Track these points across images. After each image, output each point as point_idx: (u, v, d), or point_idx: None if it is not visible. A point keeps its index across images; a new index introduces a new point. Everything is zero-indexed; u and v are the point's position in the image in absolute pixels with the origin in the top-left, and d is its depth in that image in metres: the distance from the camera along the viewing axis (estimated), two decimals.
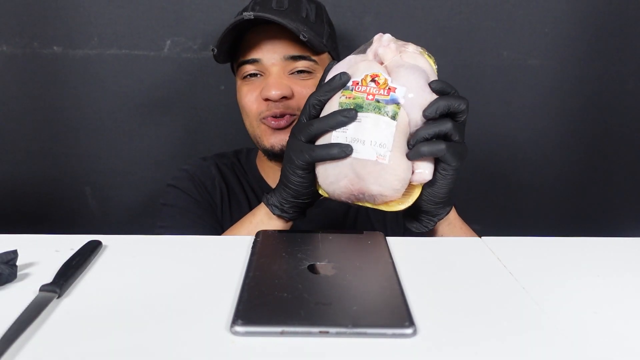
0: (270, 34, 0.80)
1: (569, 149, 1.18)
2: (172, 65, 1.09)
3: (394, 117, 0.56)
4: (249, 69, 0.81)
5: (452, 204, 0.68)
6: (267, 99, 0.79)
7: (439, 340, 0.37)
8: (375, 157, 0.56)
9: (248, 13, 0.76)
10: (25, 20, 1.05)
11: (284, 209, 0.65)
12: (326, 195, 0.61)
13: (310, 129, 0.58)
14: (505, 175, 1.19)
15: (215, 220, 0.86)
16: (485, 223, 1.19)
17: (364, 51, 0.63)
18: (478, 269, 0.50)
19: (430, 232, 0.68)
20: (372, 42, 0.63)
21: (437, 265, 0.51)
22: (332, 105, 0.59)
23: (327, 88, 0.59)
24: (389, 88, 0.57)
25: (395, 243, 0.55)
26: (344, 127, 0.56)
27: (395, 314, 0.40)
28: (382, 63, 0.60)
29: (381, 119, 0.56)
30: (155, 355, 0.36)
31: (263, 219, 0.67)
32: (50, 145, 1.12)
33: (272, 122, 0.80)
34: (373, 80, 0.58)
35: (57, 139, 1.12)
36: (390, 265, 0.49)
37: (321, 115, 0.59)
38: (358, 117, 0.56)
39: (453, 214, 0.69)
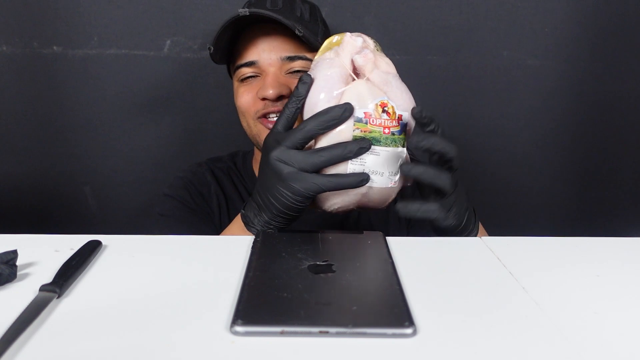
0: (266, 33, 0.80)
1: (569, 148, 1.18)
2: (172, 65, 1.09)
3: (403, 145, 0.60)
4: (246, 71, 0.82)
5: (471, 229, 0.67)
6: (264, 99, 0.79)
7: (439, 340, 0.37)
8: (390, 185, 0.59)
9: (243, 10, 0.76)
10: (25, 20, 1.06)
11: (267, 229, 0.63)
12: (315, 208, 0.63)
13: (319, 160, 0.57)
14: (505, 175, 1.19)
15: (212, 228, 0.86)
16: (485, 223, 1.19)
17: (333, 53, 0.61)
18: (478, 269, 0.50)
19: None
20: (340, 43, 0.62)
21: (437, 265, 0.51)
22: (343, 136, 0.58)
23: (330, 120, 0.57)
24: (397, 117, 0.59)
25: (395, 243, 0.55)
26: (362, 159, 0.57)
27: (395, 314, 0.40)
28: (356, 71, 0.60)
29: (397, 151, 0.59)
30: (155, 355, 0.35)
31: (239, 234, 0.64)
32: (50, 145, 1.12)
33: (269, 124, 0.80)
34: (384, 110, 0.58)
35: (57, 139, 1.12)
36: (390, 265, 0.49)
37: (324, 144, 0.58)
38: (376, 151, 0.57)
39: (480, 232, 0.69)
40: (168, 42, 1.08)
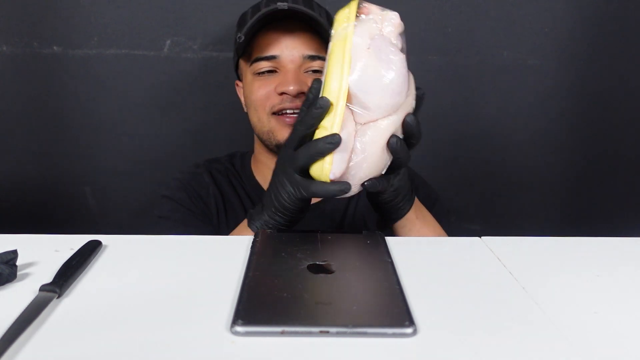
0: (289, 30, 0.81)
1: (569, 148, 1.18)
2: (172, 65, 1.09)
3: None
4: (265, 65, 0.82)
5: (404, 209, 0.67)
6: (282, 93, 0.80)
7: (439, 340, 0.37)
8: None
9: (282, 3, 0.77)
10: (25, 20, 1.06)
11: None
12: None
13: (298, 162, 0.57)
14: (505, 175, 1.19)
15: (211, 229, 0.86)
16: (485, 223, 1.19)
17: (376, 28, 0.56)
18: (478, 269, 0.50)
19: (392, 232, 0.69)
20: (380, 14, 0.56)
21: (437, 265, 0.51)
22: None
23: (314, 121, 0.55)
24: None
25: (395, 243, 0.55)
26: None
27: (396, 314, 0.40)
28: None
29: None
30: (155, 355, 0.35)
31: None
32: (50, 145, 1.12)
33: (287, 119, 0.81)
34: None
35: (57, 139, 1.12)
36: (390, 265, 0.49)
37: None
38: None
39: (411, 215, 0.68)
40: (168, 42, 1.08)
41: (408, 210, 0.67)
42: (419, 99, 0.57)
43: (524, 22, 1.10)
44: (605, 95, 1.15)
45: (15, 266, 0.46)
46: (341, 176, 0.55)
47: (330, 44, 0.56)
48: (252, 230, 0.63)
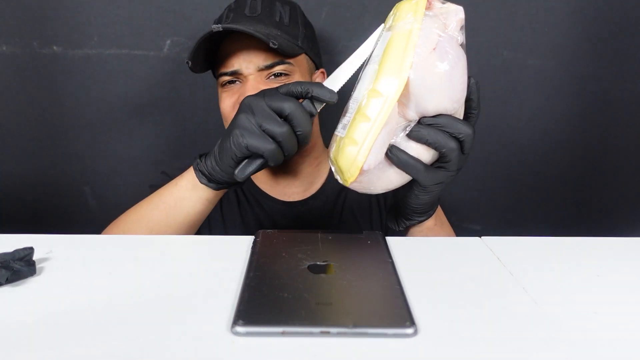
0: (245, 42, 0.80)
1: (569, 148, 1.18)
2: (172, 65, 1.09)
3: None
4: (227, 78, 0.82)
5: (428, 215, 0.67)
6: None
7: (440, 340, 0.38)
8: None
9: (216, 25, 0.76)
10: (25, 20, 1.05)
11: (212, 178, 0.66)
12: None
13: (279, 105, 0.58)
14: (505, 175, 1.19)
15: None
16: (485, 223, 1.20)
17: (441, 25, 0.52)
18: (478, 268, 0.50)
19: (404, 232, 0.69)
20: (443, 8, 0.53)
21: (437, 265, 0.51)
22: None
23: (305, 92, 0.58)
24: None
25: (395, 243, 0.55)
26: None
27: (396, 314, 0.40)
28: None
29: None
30: (156, 355, 0.36)
31: (186, 189, 0.68)
32: (50, 145, 1.12)
33: None
34: None
35: (57, 139, 1.12)
36: (391, 265, 0.49)
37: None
38: None
39: (431, 222, 0.68)
40: (168, 42, 1.08)
41: (429, 217, 0.67)
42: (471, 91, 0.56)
43: (524, 22, 1.10)
44: (605, 95, 1.15)
45: (34, 261, 0.47)
46: (368, 170, 0.53)
47: (389, 34, 0.52)
48: (197, 176, 0.68)
